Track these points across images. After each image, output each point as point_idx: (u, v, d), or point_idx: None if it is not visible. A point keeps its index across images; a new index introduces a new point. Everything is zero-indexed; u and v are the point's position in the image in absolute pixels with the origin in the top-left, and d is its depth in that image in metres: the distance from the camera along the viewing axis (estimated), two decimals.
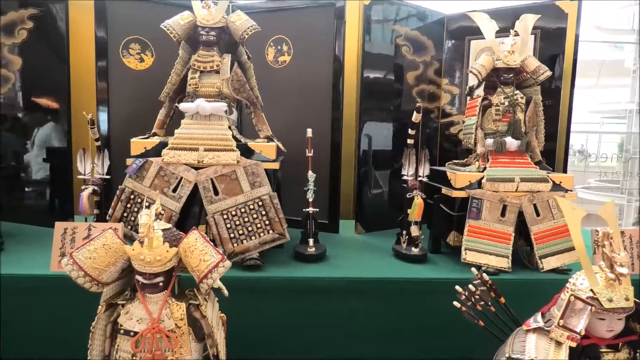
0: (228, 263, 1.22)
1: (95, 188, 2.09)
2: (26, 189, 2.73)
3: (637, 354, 1.37)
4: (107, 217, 2.05)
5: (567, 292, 1.38)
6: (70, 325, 1.81)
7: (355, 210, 2.83)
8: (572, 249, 2.08)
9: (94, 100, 2.61)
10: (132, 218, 2.04)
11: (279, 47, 2.77)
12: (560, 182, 2.13)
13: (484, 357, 1.79)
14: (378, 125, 2.85)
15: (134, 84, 2.67)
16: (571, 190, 2.15)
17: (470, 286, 1.54)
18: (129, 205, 2.04)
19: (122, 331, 1.25)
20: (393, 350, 1.96)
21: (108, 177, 2.17)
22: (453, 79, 2.97)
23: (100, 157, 2.17)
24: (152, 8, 2.63)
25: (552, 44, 2.59)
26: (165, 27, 2.11)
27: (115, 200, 2.05)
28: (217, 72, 2.13)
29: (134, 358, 1.22)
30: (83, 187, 2.09)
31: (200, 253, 1.21)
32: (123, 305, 1.27)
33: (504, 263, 2.01)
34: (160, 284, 1.23)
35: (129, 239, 1.98)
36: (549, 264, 2.04)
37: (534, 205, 2.08)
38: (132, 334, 1.23)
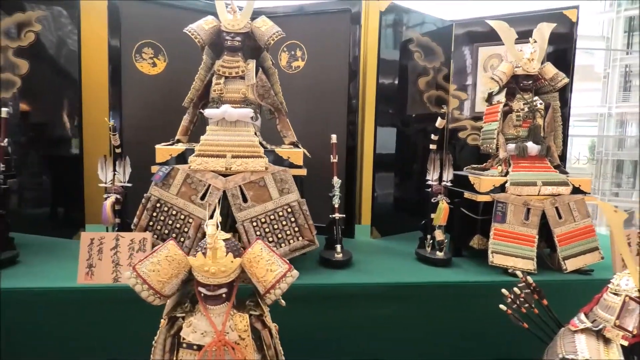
0: (296, 272, 1.21)
1: (118, 196, 2.04)
2: (32, 198, 2.64)
3: None
4: (132, 227, 2.00)
5: (612, 293, 1.42)
6: (98, 339, 1.78)
7: (371, 215, 2.84)
8: (594, 249, 2.15)
9: (106, 106, 2.54)
10: (159, 227, 1.99)
11: (293, 53, 2.77)
12: (580, 185, 2.20)
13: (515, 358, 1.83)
14: (392, 130, 2.87)
15: (146, 88, 2.62)
16: (589, 193, 2.21)
17: (516, 289, 1.56)
18: (155, 214, 2.00)
19: (184, 345, 1.22)
20: (426, 354, 1.97)
21: (130, 184, 2.12)
22: (461, 85, 3.02)
23: (121, 165, 2.11)
24: (166, 12, 2.60)
25: (559, 50, 2.67)
26: (190, 31, 2.08)
27: (141, 208, 2.00)
28: (242, 77, 2.11)
29: None
30: (105, 196, 2.04)
31: (267, 263, 1.20)
32: (183, 318, 1.24)
33: (530, 265, 2.05)
34: (223, 295, 1.21)
35: None
36: (572, 264, 2.10)
37: (556, 208, 2.13)
38: (195, 347, 1.21)
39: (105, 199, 2.01)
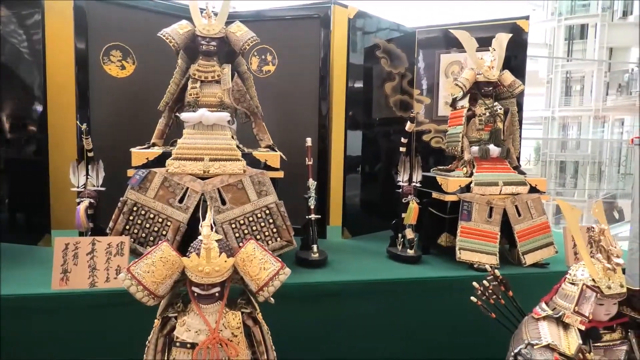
0: (288, 270, 1.26)
1: (92, 201, 2.01)
2: None
3: (629, 333, 1.58)
4: (108, 231, 1.98)
5: (569, 283, 1.57)
6: (73, 345, 1.75)
7: (342, 216, 2.92)
8: (549, 244, 2.32)
9: (73, 109, 2.48)
10: (136, 230, 1.98)
11: (263, 57, 2.81)
12: (536, 185, 2.37)
13: (485, 345, 1.96)
14: (358, 133, 2.96)
15: (115, 92, 2.59)
16: (545, 192, 2.39)
17: (485, 282, 1.68)
18: (131, 218, 1.98)
19: (177, 344, 1.24)
20: (401, 346, 2.07)
21: (103, 188, 2.09)
22: (424, 90, 3.17)
23: (94, 169, 2.08)
24: (134, 14, 2.57)
25: (512, 57, 2.85)
26: (164, 36, 2.08)
27: (117, 212, 1.98)
28: (218, 82, 2.14)
29: None
30: (78, 200, 2.00)
31: (260, 262, 1.24)
32: (176, 318, 1.26)
33: (493, 260, 2.19)
34: (216, 294, 1.25)
35: (133, 252, 1.93)
36: (530, 259, 2.26)
37: (516, 206, 2.29)
38: (188, 345, 1.23)
39: (78, 203, 1.98)
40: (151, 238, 1.97)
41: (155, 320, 1.24)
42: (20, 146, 2.48)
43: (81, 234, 2.00)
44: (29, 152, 2.48)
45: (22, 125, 2.46)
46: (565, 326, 1.53)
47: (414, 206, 2.25)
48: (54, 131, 2.46)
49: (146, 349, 1.23)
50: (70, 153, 2.44)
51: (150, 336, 1.24)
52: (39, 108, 2.42)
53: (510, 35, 2.44)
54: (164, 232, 1.97)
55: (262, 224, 2.04)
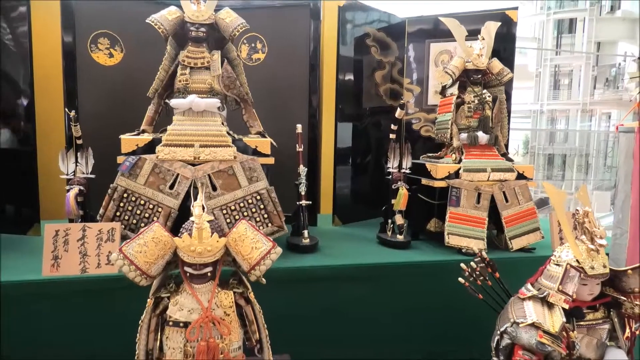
0: (279, 249, 1.28)
1: (81, 188, 2.01)
2: None
3: (611, 312, 1.62)
4: (98, 217, 1.98)
5: (554, 264, 1.61)
6: (66, 332, 1.76)
7: (333, 204, 2.94)
8: (535, 230, 2.36)
9: (60, 98, 2.46)
10: (126, 217, 1.98)
11: (253, 45, 2.80)
12: (523, 172, 2.41)
13: (472, 326, 1.99)
14: (350, 123, 2.98)
15: (103, 80, 2.57)
16: (532, 179, 2.43)
17: (472, 263, 1.72)
18: (122, 204, 1.98)
19: (170, 323, 1.25)
20: (391, 328, 2.10)
21: (93, 176, 2.09)
22: (414, 79, 3.19)
23: (83, 156, 2.08)
24: (121, 1, 2.55)
25: (501, 48, 2.88)
26: (153, 22, 2.08)
27: (107, 199, 1.98)
28: (207, 68, 2.14)
29: (185, 348, 1.24)
30: (67, 188, 1.99)
31: (252, 241, 1.26)
32: (168, 298, 1.27)
33: (481, 245, 2.22)
34: (209, 274, 1.26)
35: (123, 239, 1.93)
36: (517, 244, 2.30)
37: (503, 192, 2.33)
38: (181, 324, 1.25)
39: (68, 190, 1.97)
40: (142, 224, 1.97)
41: (148, 300, 1.25)
42: (7, 136, 2.45)
43: (71, 222, 2.00)
44: (16, 142, 2.45)
45: (9, 115, 2.43)
46: (550, 306, 1.56)
47: (403, 192, 2.28)
48: (41, 120, 2.43)
49: (139, 328, 1.24)
50: (59, 142, 2.42)
51: (143, 316, 1.25)
52: (26, 97, 2.39)
53: (499, 23, 2.46)
54: (155, 219, 1.97)
55: (253, 210, 2.05)
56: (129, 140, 2.04)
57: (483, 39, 2.39)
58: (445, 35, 2.87)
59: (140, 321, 1.25)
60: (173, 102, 2.10)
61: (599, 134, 17.11)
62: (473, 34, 2.48)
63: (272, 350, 1.39)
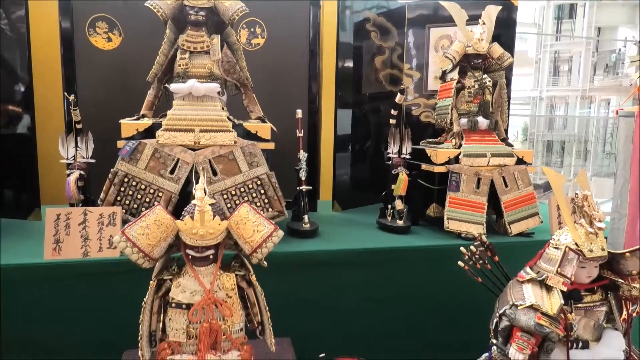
0: (281, 232, 1.29)
1: (82, 172, 2.01)
2: None
3: (609, 295, 1.64)
4: (99, 202, 1.98)
5: (553, 247, 1.62)
6: (68, 315, 1.78)
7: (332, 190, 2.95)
8: (534, 214, 2.38)
9: (58, 81, 2.45)
10: (127, 201, 1.99)
11: (252, 30, 2.78)
12: (523, 157, 2.41)
13: (471, 310, 2.01)
14: (350, 109, 2.97)
15: (102, 64, 2.56)
16: (531, 164, 2.43)
17: (472, 247, 1.73)
18: (122, 189, 1.99)
19: (173, 304, 1.27)
20: (390, 312, 2.13)
21: (93, 160, 2.09)
22: (414, 64, 3.17)
23: (83, 140, 2.07)
24: None
25: (502, 33, 2.86)
26: (152, 5, 2.06)
27: (107, 184, 1.98)
28: (207, 52, 2.12)
29: (188, 329, 1.25)
30: (68, 172, 2.00)
31: (254, 224, 1.27)
32: (171, 280, 1.28)
33: (480, 229, 2.24)
34: (211, 256, 1.27)
35: (124, 223, 1.94)
36: (516, 228, 2.32)
37: (503, 177, 2.33)
38: (184, 306, 1.26)
39: (69, 175, 1.98)
40: (143, 209, 1.98)
41: (151, 282, 1.26)
42: (7, 122, 2.44)
43: (72, 206, 2.00)
44: (15, 127, 2.44)
45: (8, 100, 2.42)
46: (549, 288, 1.58)
47: (403, 177, 2.28)
48: (40, 105, 2.43)
49: (142, 310, 1.26)
50: (58, 127, 2.41)
51: (146, 298, 1.26)
52: (24, 82, 2.38)
53: (500, 7, 2.44)
54: (156, 203, 1.97)
55: (254, 195, 2.06)
56: (129, 125, 2.04)
57: (484, 23, 2.38)
58: (446, 20, 2.85)
59: (143, 303, 1.26)
60: (173, 86, 2.09)
61: (598, 120, 17.08)
62: (473, 19, 2.47)
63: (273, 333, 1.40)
